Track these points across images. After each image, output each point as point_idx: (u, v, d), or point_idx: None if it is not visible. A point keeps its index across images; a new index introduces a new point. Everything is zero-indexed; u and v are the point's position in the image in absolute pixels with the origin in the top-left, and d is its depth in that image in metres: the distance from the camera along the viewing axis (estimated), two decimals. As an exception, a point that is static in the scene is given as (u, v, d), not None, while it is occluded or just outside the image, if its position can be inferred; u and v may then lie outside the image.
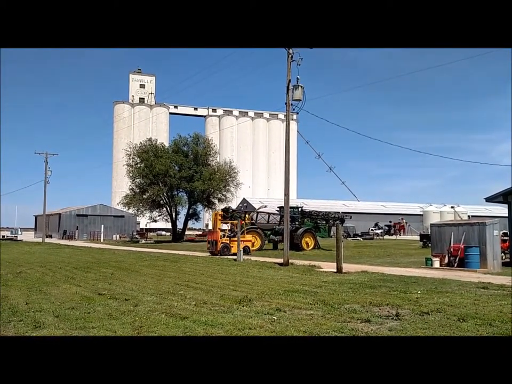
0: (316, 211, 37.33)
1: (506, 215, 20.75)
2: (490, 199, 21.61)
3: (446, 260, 17.59)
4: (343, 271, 15.43)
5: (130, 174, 49.45)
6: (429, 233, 22.66)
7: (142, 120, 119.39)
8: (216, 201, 50.37)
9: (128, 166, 49.65)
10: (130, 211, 54.34)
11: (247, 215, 32.04)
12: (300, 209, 34.96)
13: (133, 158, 49.30)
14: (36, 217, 78.49)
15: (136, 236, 56.86)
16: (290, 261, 18.72)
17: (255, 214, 32.66)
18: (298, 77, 19.53)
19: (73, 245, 41.23)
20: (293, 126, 79.91)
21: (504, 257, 20.24)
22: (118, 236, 61.88)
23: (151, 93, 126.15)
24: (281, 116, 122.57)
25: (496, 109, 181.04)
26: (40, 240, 52.62)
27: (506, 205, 20.67)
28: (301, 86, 19.46)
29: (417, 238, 42.08)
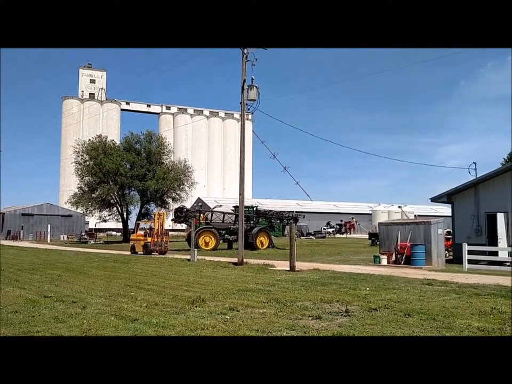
0: (271, 210, 37.63)
1: (450, 214, 21.88)
2: (435, 199, 22.72)
3: (393, 258, 18.26)
4: (296, 269, 15.67)
5: (79, 172, 47.57)
6: (377, 231, 23.44)
7: (92, 116, 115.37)
8: (170, 200, 49.54)
9: (76, 163, 47.76)
10: (78, 210, 52.31)
11: (201, 215, 31.82)
12: (254, 208, 35.16)
13: (81, 155, 47.46)
14: (-24, 216, 74.08)
15: (85, 236, 54.90)
16: (244, 260, 18.76)
17: (210, 214, 32.45)
18: (253, 77, 19.61)
19: (17, 246, 39.21)
20: (248, 125, 79.98)
21: (447, 255, 21.28)
22: (65, 236, 59.43)
23: (102, 88, 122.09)
24: (237, 115, 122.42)
25: (442, 113, 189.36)
26: (-20, 241, 49.73)
27: (450, 205, 21.81)
28: (256, 86, 19.53)
29: (367, 236, 43.42)
